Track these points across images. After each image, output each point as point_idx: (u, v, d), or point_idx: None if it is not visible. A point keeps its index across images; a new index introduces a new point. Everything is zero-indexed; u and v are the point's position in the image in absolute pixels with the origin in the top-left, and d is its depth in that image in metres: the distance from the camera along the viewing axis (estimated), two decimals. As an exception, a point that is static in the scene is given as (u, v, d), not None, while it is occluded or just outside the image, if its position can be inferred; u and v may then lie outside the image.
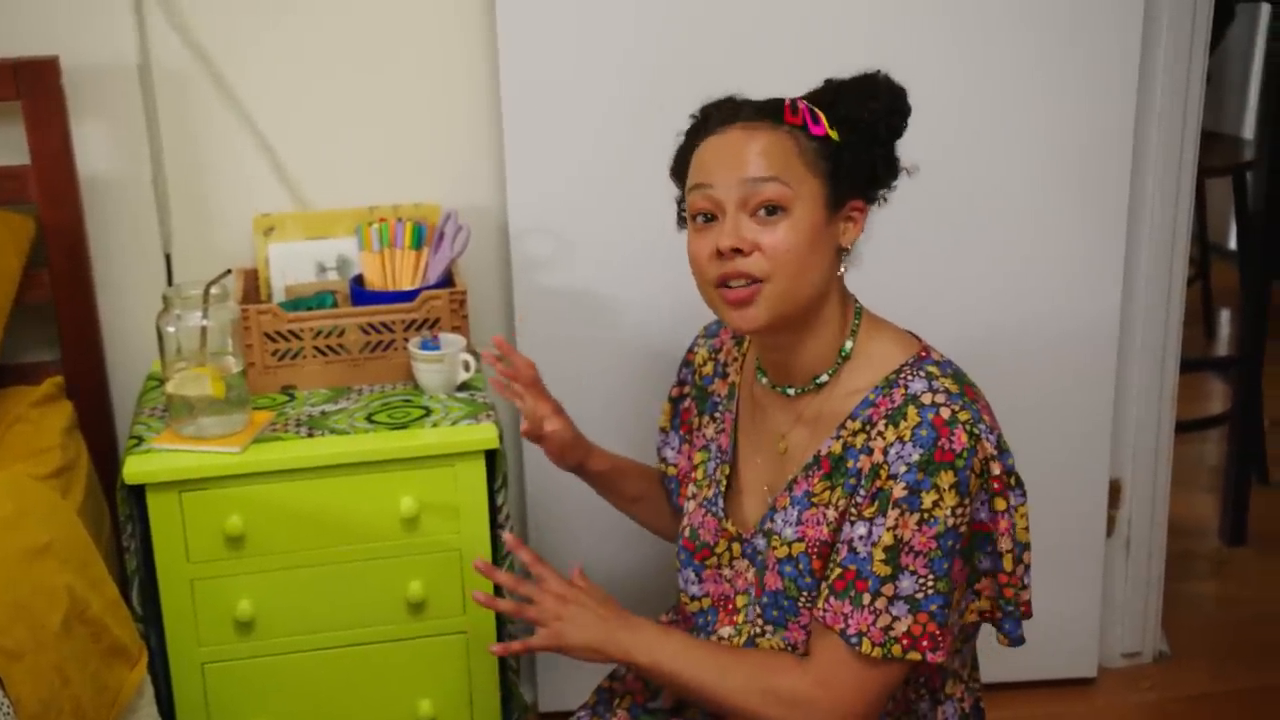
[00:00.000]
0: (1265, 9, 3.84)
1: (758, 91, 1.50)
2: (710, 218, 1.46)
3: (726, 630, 1.58)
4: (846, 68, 1.52)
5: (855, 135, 1.48)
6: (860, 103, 1.49)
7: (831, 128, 1.46)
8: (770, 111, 1.46)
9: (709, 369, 1.67)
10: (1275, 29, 2.81)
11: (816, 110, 1.46)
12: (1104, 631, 2.44)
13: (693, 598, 1.62)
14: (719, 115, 1.49)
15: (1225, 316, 4.12)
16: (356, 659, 1.92)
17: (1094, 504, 2.34)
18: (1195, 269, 3.89)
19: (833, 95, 1.51)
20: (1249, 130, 4.20)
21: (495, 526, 1.92)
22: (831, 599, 1.42)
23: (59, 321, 2.09)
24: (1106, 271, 2.21)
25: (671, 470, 1.74)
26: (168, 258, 2.15)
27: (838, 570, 1.42)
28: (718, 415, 1.64)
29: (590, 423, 2.16)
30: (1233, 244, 4.19)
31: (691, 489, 1.65)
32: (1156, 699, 2.42)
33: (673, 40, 2.06)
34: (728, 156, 1.45)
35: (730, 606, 1.58)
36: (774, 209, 1.43)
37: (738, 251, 1.42)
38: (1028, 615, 1.50)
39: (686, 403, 1.72)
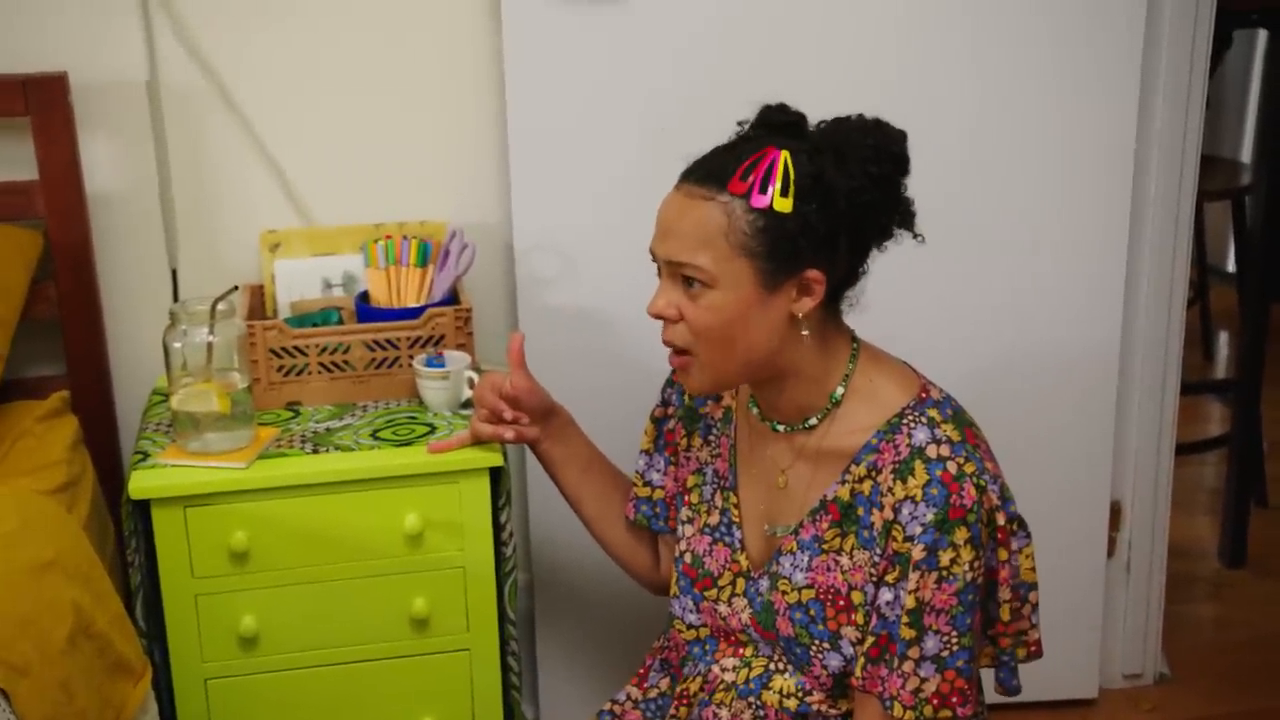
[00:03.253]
0: (1262, 34, 3.86)
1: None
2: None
3: (731, 661, 1.58)
4: (849, 99, 1.51)
5: (815, 203, 1.40)
6: (834, 167, 1.40)
7: (785, 194, 1.38)
8: (719, 174, 1.41)
9: None
10: (1272, 54, 2.83)
11: (773, 175, 1.38)
12: (1105, 653, 2.44)
13: (689, 626, 1.62)
14: (686, 169, 1.46)
15: (1224, 339, 4.13)
16: (360, 676, 1.92)
17: (1095, 526, 2.35)
18: (1194, 291, 3.90)
19: (822, 145, 1.42)
20: (1247, 154, 4.22)
21: (499, 544, 1.92)
22: (869, 666, 1.45)
23: (65, 336, 2.09)
24: (1107, 294, 2.22)
25: (658, 493, 1.72)
26: (174, 273, 2.15)
27: (871, 638, 1.44)
28: (712, 439, 1.64)
29: (592, 439, 2.17)
30: (1231, 267, 4.20)
31: (686, 512, 1.65)
32: (1157, 720, 2.43)
33: (679, 62, 2.07)
34: (664, 227, 1.45)
35: (734, 639, 1.58)
36: (695, 283, 1.42)
37: (665, 317, 1.45)
38: (1038, 654, 1.51)
39: (671, 423, 1.70)
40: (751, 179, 1.39)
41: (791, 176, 1.39)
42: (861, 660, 1.45)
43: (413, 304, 2.06)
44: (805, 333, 1.44)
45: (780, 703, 1.53)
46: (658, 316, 1.47)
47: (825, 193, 1.40)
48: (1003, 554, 1.44)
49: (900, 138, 1.46)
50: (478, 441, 1.81)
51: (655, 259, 1.48)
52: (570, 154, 2.10)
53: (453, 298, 2.07)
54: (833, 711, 1.52)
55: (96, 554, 1.76)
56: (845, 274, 1.47)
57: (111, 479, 2.06)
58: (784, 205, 1.39)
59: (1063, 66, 2.12)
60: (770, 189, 1.39)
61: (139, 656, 1.72)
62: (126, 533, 1.81)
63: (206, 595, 1.85)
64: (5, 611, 1.46)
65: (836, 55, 2.08)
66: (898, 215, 1.47)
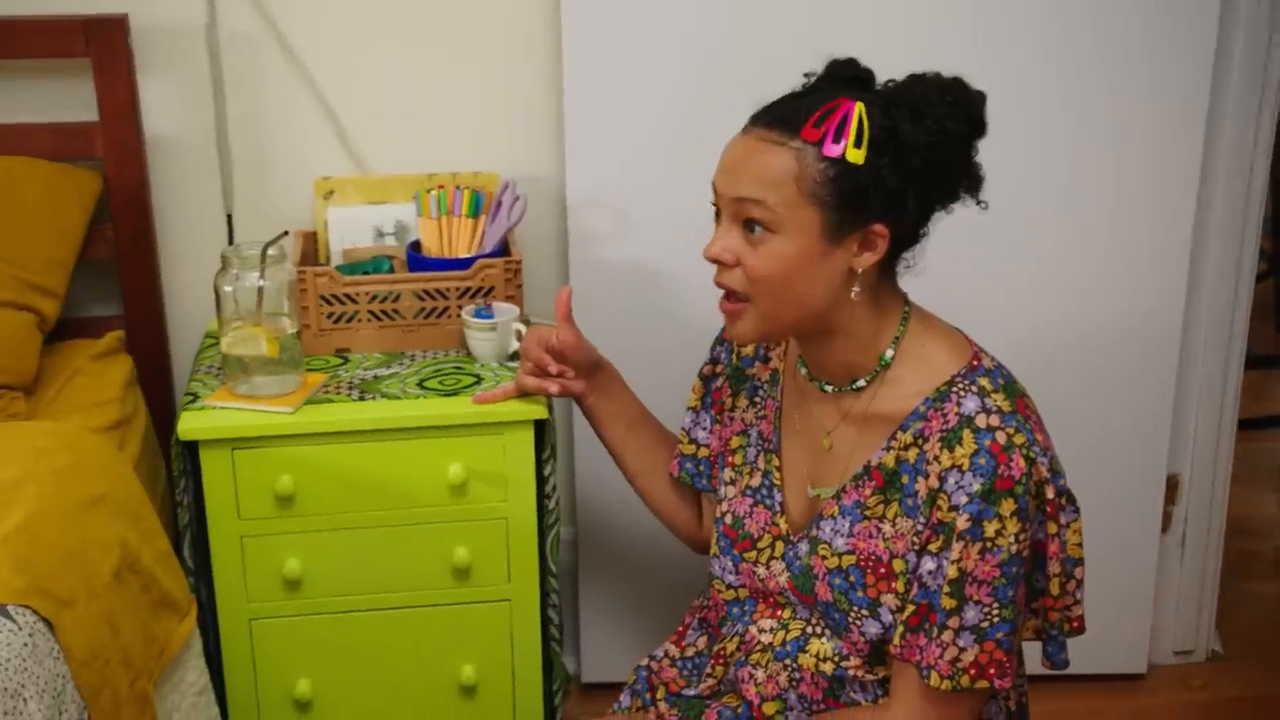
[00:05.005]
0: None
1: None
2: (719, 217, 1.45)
3: (768, 623, 1.57)
4: (909, 54, 1.48)
5: (888, 156, 1.38)
6: (910, 122, 1.38)
7: (859, 146, 1.36)
8: (791, 120, 1.39)
9: (749, 350, 1.64)
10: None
11: (847, 125, 1.36)
12: (1156, 628, 2.40)
13: (728, 586, 1.61)
14: (755, 113, 1.44)
15: (1298, 313, 4.03)
16: (401, 622, 1.94)
17: (1150, 498, 2.30)
18: (1269, 264, 3.81)
19: (897, 100, 1.40)
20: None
21: (542, 497, 1.92)
22: (908, 634, 1.43)
23: (121, 277, 2.12)
24: (1172, 261, 2.17)
25: (703, 451, 1.70)
26: (229, 218, 2.17)
27: (911, 607, 1.42)
28: (758, 400, 1.62)
29: (641, 400, 2.15)
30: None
31: (729, 473, 1.63)
32: (1207, 699, 2.38)
33: (738, 15, 2.04)
34: (731, 164, 1.42)
35: (772, 601, 1.57)
36: (758, 227, 1.40)
37: (721, 262, 1.42)
38: (1080, 630, 1.49)
39: (719, 381, 1.68)
40: (825, 127, 1.37)
41: (865, 129, 1.37)
42: (900, 629, 1.43)
43: (463, 255, 2.05)
44: (857, 289, 1.42)
45: (816, 666, 1.52)
46: (714, 260, 1.43)
47: (899, 147, 1.38)
48: (1051, 527, 1.42)
49: (979, 99, 1.43)
50: (523, 393, 1.81)
51: (716, 198, 1.44)
52: (625, 108, 2.08)
53: (503, 249, 2.07)
54: (869, 677, 1.51)
55: (146, 492, 1.78)
56: (908, 233, 1.45)
57: (164, 419, 2.09)
58: (856, 156, 1.36)
59: (1133, 21, 2.05)
60: (844, 139, 1.36)
61: (185, 594, 1.74)
62: (175, 472, 1.84)
63: (252, 537, 1.87)
64: (53, 545, 1.48)
65: (898, 6, 2.03)
66: (967, 179, 1.44)
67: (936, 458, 1.40)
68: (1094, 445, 2.21)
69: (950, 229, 1.50)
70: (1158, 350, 2.21)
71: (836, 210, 1.38)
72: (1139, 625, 2.37)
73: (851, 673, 1.50)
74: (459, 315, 2.00)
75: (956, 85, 1.42)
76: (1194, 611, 2.42)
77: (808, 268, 1.39)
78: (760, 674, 1.56)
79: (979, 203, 1.45)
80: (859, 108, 1.37)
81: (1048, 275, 2.16)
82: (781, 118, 1.40)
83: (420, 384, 1.91)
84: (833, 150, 1.36)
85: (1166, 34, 2.06)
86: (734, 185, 1.41)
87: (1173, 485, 2.34)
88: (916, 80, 1.43)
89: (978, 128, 1.42)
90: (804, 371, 1.54)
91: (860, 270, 1.41)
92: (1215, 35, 2.06)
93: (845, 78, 1.44)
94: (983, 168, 1.44)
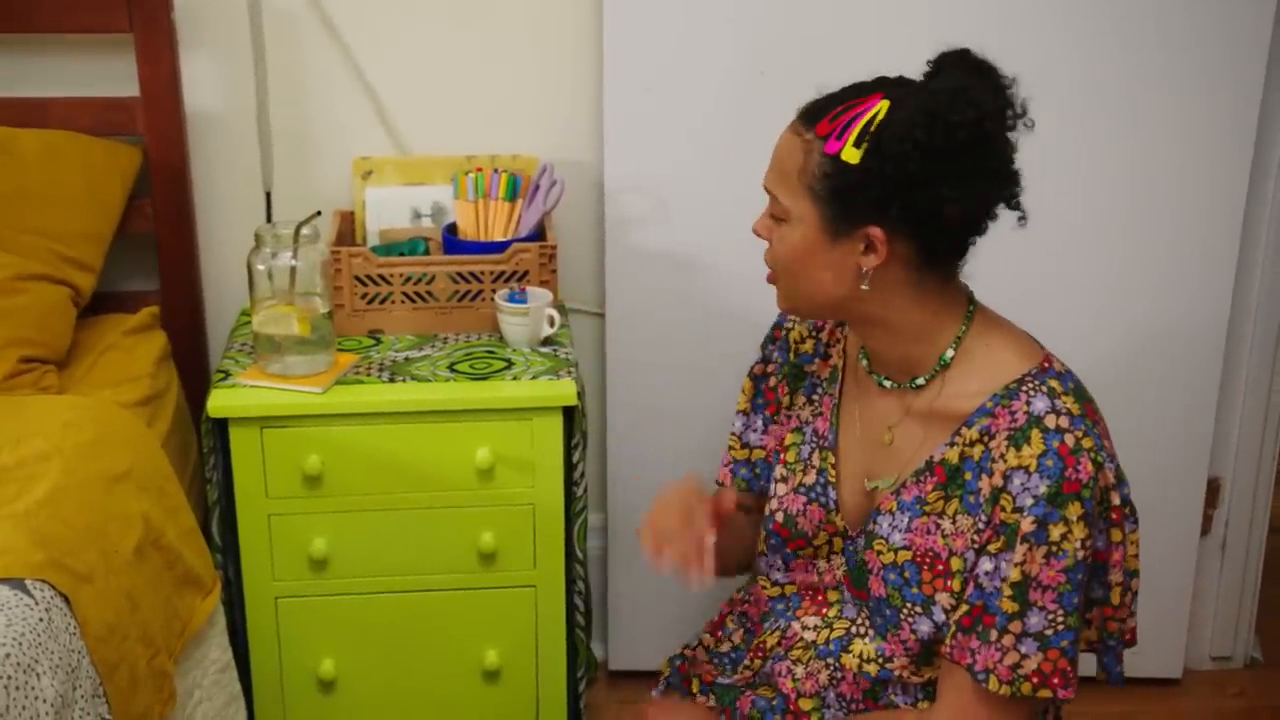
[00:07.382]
0: None
1: (869, 63, 1.44)
2: None
3: (812, 620, 1.55)
4: (961, 41, 1.44)
5: (886, 161, 1.33)
6: (904, 129, 1.33)
7: (858, 146, 1.33)
8: (815, 115, 1.39)
9: (808, 346, 1.62)
10: None
11: (853, 125, 1.34)
12: (1192, 633, 2.36)
13: (774, 583, 1.59)
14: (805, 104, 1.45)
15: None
16: (426, 605, 1.94)
17: (1190, 501, 2.26)
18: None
19: (918, 96, 1.35)
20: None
21: (570, 483, 1.91)
22: (959, 635, 1.40)
23: (159, 253, 2.13)
24: (1219, 258, 2.12)
25: (757, 454, 1.66)
26: (268, 196, 2.17)
27: (964, 607, 1.39)
28: (815, 398, 1.60)
29: (675, 389, 2.14)
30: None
31: (781, 470, 1.60)
32: (1244, 706, 2.34)
33: (780, 5, 2.01)
34: (774, 150, 1.45)
35: (820, 598, 1.55)
36: (777, 212, 1.43)
37: (759, 235, 1.47)
38: (1132, 643, 1.47)
39: (773, 381, 1.65)
40: (835, 125, 1.36)
41: (872, 129, 1.33)
42: (952, 629, 1.41)
43: (499, 238, 2.05)
44: (865, 286, 1.39)
45: (860, 667, 1.50)
46: (755, 234, 1.48)
47: (901, 151, 1.32)
48: (1116, 535, 1.39)
49: (1000, 88, 1.36)
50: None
51: None
52: (666, 95, 2.06)
53: (539, 234, 2.06)
54: (914, 679, 1.48)
55: (175, 469, 1.79)
56: (931, 236, 1.39)
57: (198, 396, 2.09)
58: (852, 156, 1.34)
59: (1187, 24, 2.01)
60: (846, 137, 1.34)
61: (209, 571, 1.75)
62: (205, 450, 1.85)
63: (279, 516, 1.87)
64: (74, 520, 1.49)
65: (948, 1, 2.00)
66: (993, 183, 1.37)
67: (1003, 455, 1.37)
68: (1135, 446, 2.14)
69: (993, 229, 1.46)
70: (1202, 352, 2.17)
71: (828, 206, 1.37)
72: (1176, 629, 2.33)
73: (897, 674, 1.48)
74: (493, 299, 2.00)
75: (961, 94, 1.34)
76: (1233, 617, 2.38)
77: (812, 258, 1.41)
78: (799, 670, 1.54)
79: (1020, 217, 1.40)
80: (881, 107, 1.34)
81: (1093, 276, 2.13)
82: (812, 110, 1.40)
83: (450, 367, 1.91)
84: (832, 147, 1.36)
85: (1219, 36, 2.01)
86: (766, 176, 1.45)
87: (1214, 488, 2.30)
88: (939, 69, 1.38)
89: (998, 121, 1.35)
90: (865, 364, 1.52)
91: (866, 270, 1.38)
92: (1269, 39, 2.01)
93: (966, 66, 1.38)
94: (1018, 178, 1.38)
